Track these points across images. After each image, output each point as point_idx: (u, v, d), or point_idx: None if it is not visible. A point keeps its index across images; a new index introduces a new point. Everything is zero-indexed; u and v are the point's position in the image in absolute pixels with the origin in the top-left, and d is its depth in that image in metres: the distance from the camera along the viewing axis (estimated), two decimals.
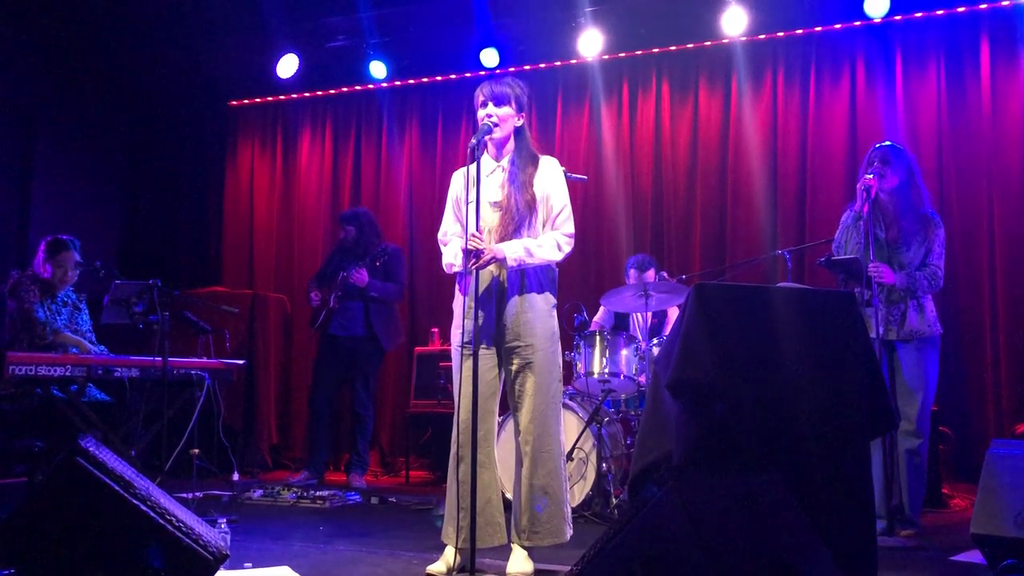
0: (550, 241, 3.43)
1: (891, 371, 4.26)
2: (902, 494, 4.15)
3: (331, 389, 6.17)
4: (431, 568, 3.37)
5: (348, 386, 6.18)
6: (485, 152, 3.51)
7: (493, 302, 3.42)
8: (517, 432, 3.47)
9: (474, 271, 3.30)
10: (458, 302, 3.53)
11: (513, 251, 3.36)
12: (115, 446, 4.44)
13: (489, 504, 3.42)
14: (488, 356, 3.44)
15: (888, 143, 4.38)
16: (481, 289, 3.38)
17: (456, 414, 3.42)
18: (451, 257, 3.51)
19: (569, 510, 3.48)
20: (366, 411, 6.09)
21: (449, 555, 3.37)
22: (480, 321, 3.36)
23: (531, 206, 3.43)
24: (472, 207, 3.29)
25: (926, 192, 4.39)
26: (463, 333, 3.44)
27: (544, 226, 3.48)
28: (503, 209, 3.43)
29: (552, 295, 3.53)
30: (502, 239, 3.41)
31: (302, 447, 6.92)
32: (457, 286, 3.55)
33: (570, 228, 3.49)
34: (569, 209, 3.51)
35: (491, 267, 3.39)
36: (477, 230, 3.30)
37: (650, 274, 5.53)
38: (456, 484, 3.38)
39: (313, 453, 6.14)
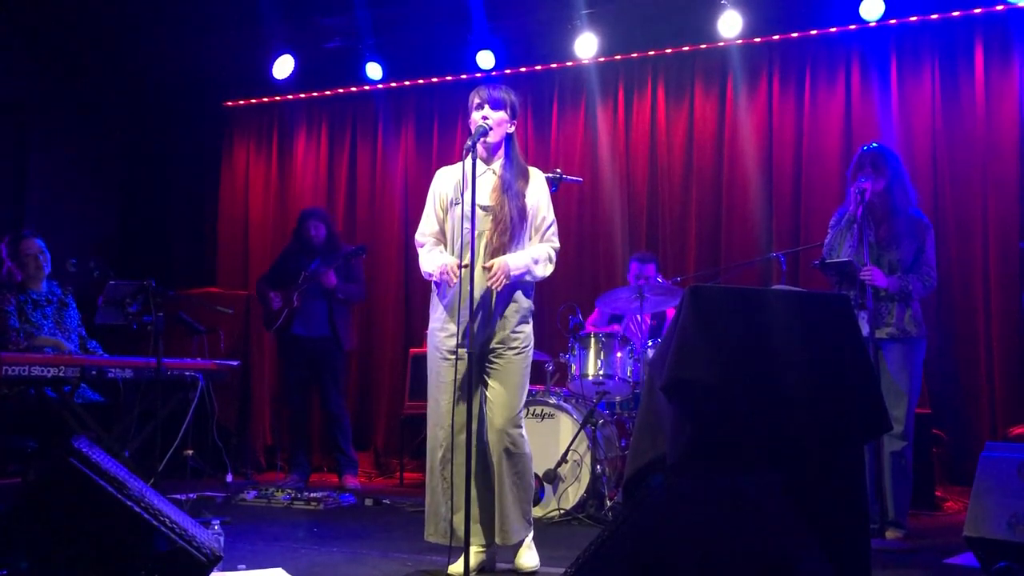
0: (544, 256, 3.51)
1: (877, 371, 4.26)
2: (887, 497, 4.15)
3: (304, 390, 6.12)
4: (452, 568, 3.35)
5: (317, 387, 6.10)
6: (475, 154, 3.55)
7: (472, 307, 3.44)
8: (490, 434, 3.48)
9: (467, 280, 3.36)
10: (435, 306, 3.57)
11: (517, 266, 3.43)
12: (108, 447, 4.43)
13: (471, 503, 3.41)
14: (467, 360, 3.46)
15: (876, 145, 4.41)
16: (461, 295, 3.43)
17: (436, 418, 3.46)
18: (430, 266, 3.55)
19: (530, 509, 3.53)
20: (341, 410, 6.03)
21: (470, 554, 3.30)
22: (463, 325, 3.43)
23: (523, 217, 3.51)
24: (467, 209, 3.33)
25: (913, 192, 4.42)
26: (447, 338, 3.49)
27: (531, 238, 3.56)
28: (496, 217, 3.49)
29: (528, 299, 3.57)
30: (495, 248, 3.45)
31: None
32: (436, 290, 3.59)
33: (557, 242, 3.61)
34: (555, 223, 3.62)
35: (476, 272, 3.40)
36: (472, 231, 3.31)
37: (651, 268, 5.54)
38: (440, 484, 3.42)
39: (296, 456, 6.08)
